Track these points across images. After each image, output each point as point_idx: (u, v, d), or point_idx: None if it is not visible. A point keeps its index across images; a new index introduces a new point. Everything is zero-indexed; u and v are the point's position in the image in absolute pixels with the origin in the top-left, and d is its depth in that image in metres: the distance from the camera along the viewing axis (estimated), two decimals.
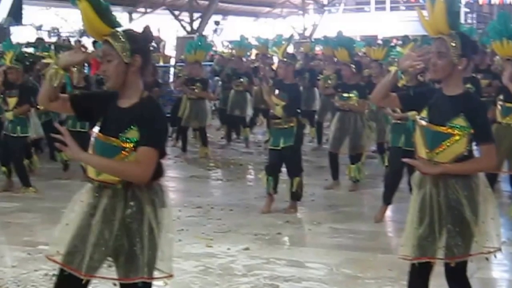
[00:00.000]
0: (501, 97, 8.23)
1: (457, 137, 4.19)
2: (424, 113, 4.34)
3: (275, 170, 8.50)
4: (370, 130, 9.99)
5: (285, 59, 8.50)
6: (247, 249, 6.94)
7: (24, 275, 6.16)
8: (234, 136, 15.12)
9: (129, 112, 3.76)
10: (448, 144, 4.20)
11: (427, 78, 7.38)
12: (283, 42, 9.95)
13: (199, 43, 13.11)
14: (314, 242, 7.36)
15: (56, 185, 10.17)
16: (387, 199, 8.11)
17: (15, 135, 9.64)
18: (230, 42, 17.07)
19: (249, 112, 14.47)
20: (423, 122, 4.32)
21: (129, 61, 3.74)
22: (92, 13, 3.75)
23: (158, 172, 3.82)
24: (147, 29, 3.92)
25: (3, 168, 9.88)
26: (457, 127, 4.19)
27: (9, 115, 9.64)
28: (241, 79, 14.07)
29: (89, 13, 3.75)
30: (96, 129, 3.83)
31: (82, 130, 8.72)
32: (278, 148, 8.35)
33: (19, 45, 11.45)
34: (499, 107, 8.26)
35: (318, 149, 13.55)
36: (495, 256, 4.33)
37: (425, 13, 4.34)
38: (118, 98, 3.83)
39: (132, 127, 3.71)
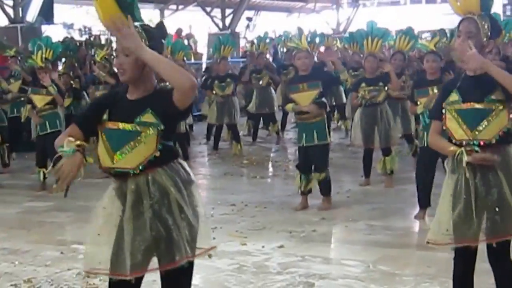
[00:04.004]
0: None
1: (497, 111, 4.14)
2: (454, 97, 4.24)
3: (306, 168, 8.33)
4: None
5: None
6: (282, 246, 6.84)
7: (57, 274, 6.17)
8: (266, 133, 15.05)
9: (143, 101, 3.75)
10: (490, 119, 4.14)
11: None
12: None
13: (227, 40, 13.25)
14: (350, 239, 7.23)
15: (88, 184, 10.11)
16: (423, 202, 7.70)
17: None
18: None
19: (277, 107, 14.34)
20: (457, 105, 4.22)
21: None
22: (114, 4, 3.71)
23: (175, 152, 3.85)
24: (161, 24, 3.91)
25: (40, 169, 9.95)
26: (495, 101, 4.13)
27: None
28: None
29: (110, 4, 3.71)
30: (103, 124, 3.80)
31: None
32: (311, 145, 8.15)
33: None
34: None
35: (351, 145, 13.29)
36: None
37: None
38: (127, 92, 3.82)
39: (147, 110, 3.70)
